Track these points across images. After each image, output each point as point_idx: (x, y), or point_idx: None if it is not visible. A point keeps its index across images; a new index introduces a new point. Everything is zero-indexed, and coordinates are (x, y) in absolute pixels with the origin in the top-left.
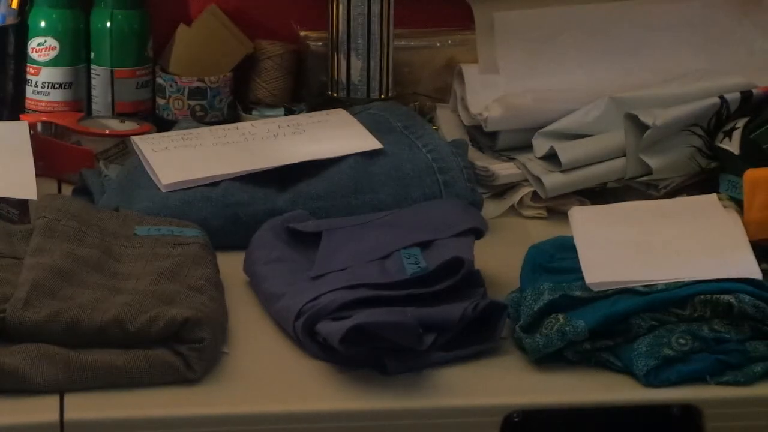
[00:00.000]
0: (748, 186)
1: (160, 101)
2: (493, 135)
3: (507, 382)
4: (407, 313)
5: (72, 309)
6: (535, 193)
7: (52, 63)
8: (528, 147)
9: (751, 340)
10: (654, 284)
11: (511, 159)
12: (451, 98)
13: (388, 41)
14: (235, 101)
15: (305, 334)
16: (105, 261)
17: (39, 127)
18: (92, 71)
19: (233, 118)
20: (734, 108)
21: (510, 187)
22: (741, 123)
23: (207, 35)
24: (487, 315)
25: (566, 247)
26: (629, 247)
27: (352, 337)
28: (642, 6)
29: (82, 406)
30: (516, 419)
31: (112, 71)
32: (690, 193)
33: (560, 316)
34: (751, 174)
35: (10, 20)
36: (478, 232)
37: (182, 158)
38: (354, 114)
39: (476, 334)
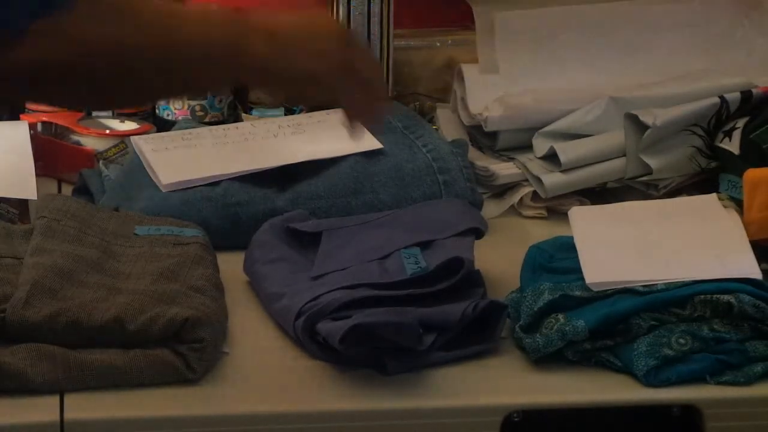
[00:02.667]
0: (748, 186)
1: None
2: (493, 135)
3: (507, 382)
4: (407, 313)
5: (72, 309)
6: (535, 193)
7: None
8: (528, 147)
9: (751, 340)
10: (654, 284)
11: (511, 159)
12: (451, 98)
13: (388, 41)
14: (235, 101)
15: (305, 334)
16: (105, 261)
17: (39, 127)
18: None
19: (233, 118)
20: (734, 108)
21: (510, 187)
22: (741, 123)
23: None
24: (487, 315)
25: (566, 247)
26: (629, 247)
27: (352, 337)
28: (642, 6)
29: (82, 406)
30: (516, 419)
31: None
32: (690, 193)
33: (560, 316)
34: (751, 174)
35: None
36: (478, 232)
37: (182, 158)
38: None
39: (476, 334)
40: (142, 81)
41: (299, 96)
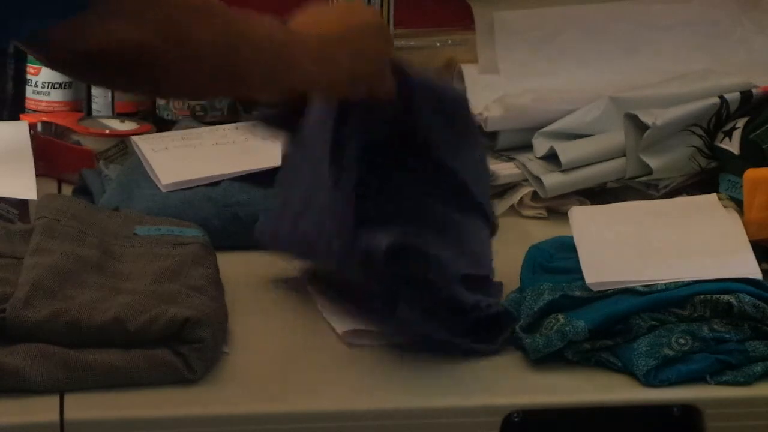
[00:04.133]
0: (748, 186)
1: (160, 101)
2: (493, 135)
3: (507, 382)
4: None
5: (72, 309)
6: (535, 193)
7: None
8: (528, 147)
9: (751, 340)
10: (654, 284)
11: (511, 159)
12: None
13: None
14: (235, 101)
15: (348, 248)
16: (105, 261)
17: (39, 127)
18: None
19: (233, 118)
20: (734, 108)
21: (510, 187)
22: (741, 123)
23: None
24: (496, 320)
25: (566, 247)
26: (629, 247)
27: (396, 252)
28: (642, 6)
29: (82, 406)
30: (516, 419)
31: None
32: (690, 193)
33: (560, 316)
34: (751, 174)
35: None
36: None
37: (182, 158)
38: None
39: (476, 334)
40: (198, 74)
41: (339, 96)
